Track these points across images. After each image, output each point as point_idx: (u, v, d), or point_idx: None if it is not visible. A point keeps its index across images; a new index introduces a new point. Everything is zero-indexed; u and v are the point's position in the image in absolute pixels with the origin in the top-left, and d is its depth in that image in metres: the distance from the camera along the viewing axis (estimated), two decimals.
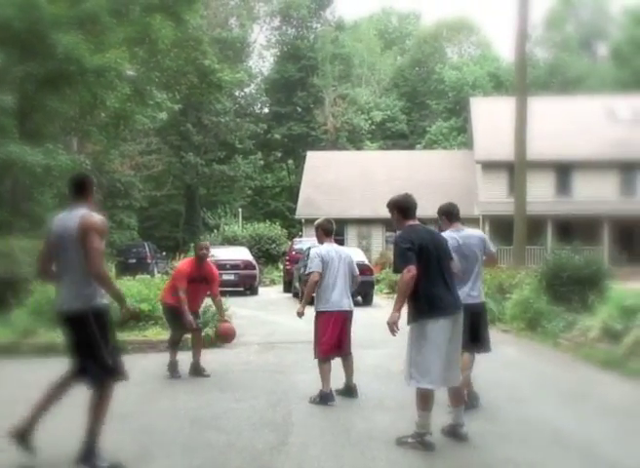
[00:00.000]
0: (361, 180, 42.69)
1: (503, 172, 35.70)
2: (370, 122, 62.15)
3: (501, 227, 31.35)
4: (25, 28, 18.92)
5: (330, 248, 8.63)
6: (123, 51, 21.50)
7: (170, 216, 53.10)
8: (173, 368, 9.84)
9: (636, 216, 34.60)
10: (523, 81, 23.90)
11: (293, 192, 55.05)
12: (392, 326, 6.41)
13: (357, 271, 8.86)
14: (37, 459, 5.93)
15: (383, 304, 21.64)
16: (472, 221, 37.15)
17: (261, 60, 68.76)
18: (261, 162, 56.94)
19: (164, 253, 39.84)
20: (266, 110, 64.78)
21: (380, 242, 39.89)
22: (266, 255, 38.60)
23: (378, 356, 11.45)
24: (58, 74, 19.91)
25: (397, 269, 6.46)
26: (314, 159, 46.18)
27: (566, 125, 37.96)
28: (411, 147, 60.21)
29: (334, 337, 8.43)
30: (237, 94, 60.38)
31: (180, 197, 53.91)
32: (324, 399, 8.21)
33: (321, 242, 8.74)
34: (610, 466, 6.13)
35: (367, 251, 33.14)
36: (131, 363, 10.43)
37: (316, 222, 8.97)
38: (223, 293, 10.96)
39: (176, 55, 28.84)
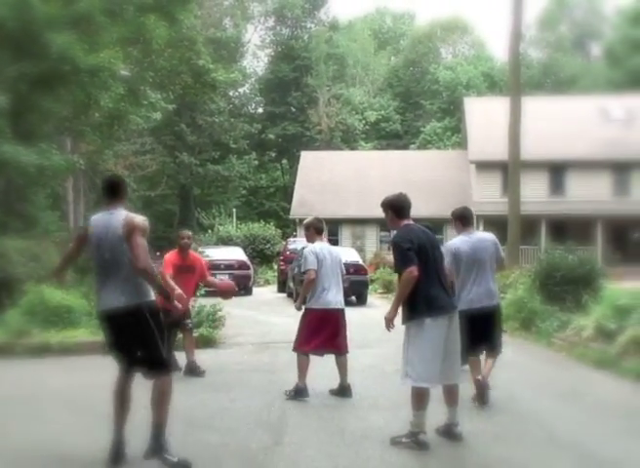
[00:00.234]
0: (355, 180, 42.70)
1: (497, 171, 35.76)
2: (364, 122, 62.15)
3: (495, 227, 31.30)
4: (19, 28, 18.86)
5: (322, 246, 8.70)
6: (117, 51, 21.46)
7: (164, 217, 52.96)
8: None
9: (629, 216, 34.69)
10: (517, 81, 23.95)
11: (287, 192, 55.02)
12: (389, 321, 6.48)
13: (344, 270, 8.97)
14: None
15: (378, 304, 21.70)
16: None
17: (256, 60, 68.78)
18: (256, 162, 56.90)
19: (158, 254, 39.71)
20: (261, 110, 64.74)
21: (374, 242, 39.90)
22: (261, 255, 38.60)
23: (372, 355, 11.45)
24: (51, 74, 19.86)
25: (399, 270, 6.47)
26: (308, 159, 46.16)
27: (559, 125, 38.02)
28: (405, 147, 60.23)
29: (323, 335, 8.49)
30: (231, 94, 60.30)
31: (175, 197, 53.82)
32: (298, 393, 8.32)
33: (312, 241, 8.76)
34: (604, 465, 6.15)
35: (361, 250, 33.17)
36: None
37: (307, 221, 8.98)
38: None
39: (170, 54, 28.80)
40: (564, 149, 36.92)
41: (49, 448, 6.50)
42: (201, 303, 12.55)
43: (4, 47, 18.44)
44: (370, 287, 24.10)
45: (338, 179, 43.27)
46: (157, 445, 5.81)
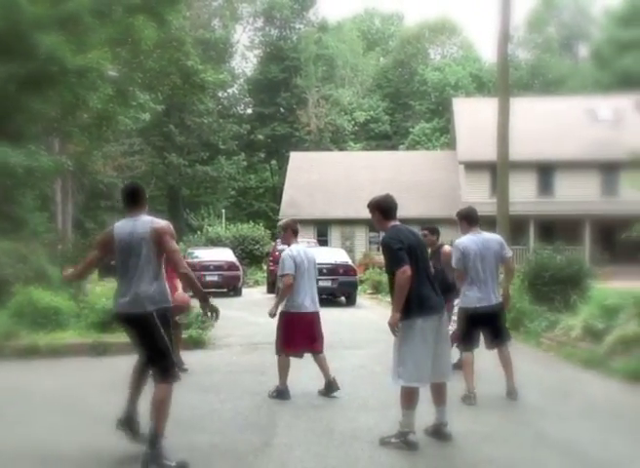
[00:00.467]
0: (344, 181, 42.73)
1: (486, 172, 35.86)
2: (353, 123, 62.22)
3: (484, 227, 31.41)
4: (6, 29, 18.80)
5: (299, 249, 8.78)
6: (105, 51, 21.39)
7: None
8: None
9: (617, 216, 34.76)
10: (505, 82, 23.97)
11: (276, 193, 55.02)
12: (393, 327, 6.45)
13: (317, 273, 9.08)
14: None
15: (367, 304, 21.71)
16: (455, 222, 37.31)
17: (245, 61, 68.74)
18: (245, 163, 56.87)
19: None
20: (250, 111, 64.75)
21: (363, 242, 39.95)
22: (250, 256, 38.56)
23: (361, 356, 11.46)
24: (39, 75, 19.78)
25: (392, 271, 6.49)
26: (297, 160, 46.17)
27: (548, 125, 38.17)
28: (394, 148, 60.31)
29: (302, 338, 8.59)
30: (220, 94, 60.26)
31: (164, 198, 53.77)
32: (280, 394, 8.39)
33: (289, 242, 8.82)
34: (592, 465, 6.18)
35: (350, 251, 33.18)
36: (114, 364, 10.44)
37: (283, 223, 9.05)
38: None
39: (158, 55, 28.74)
40: (552, 150, 37.06)
41: (37, 449, 6.49)
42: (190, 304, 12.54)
43: None
44: (359, 287, 24.10)
45: (327, 180, 43.30)
46: (154, 452, 5.83)
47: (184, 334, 11.59)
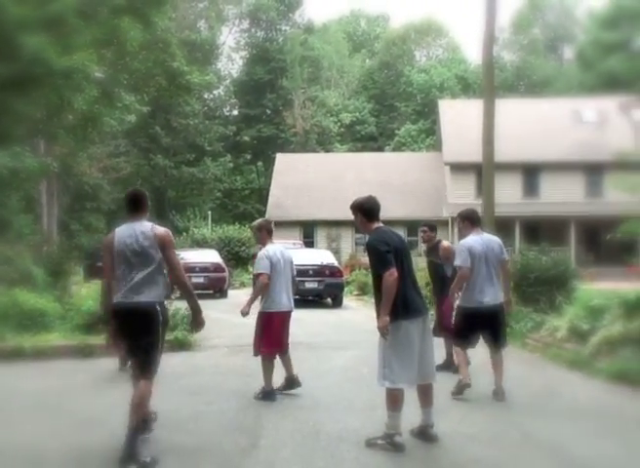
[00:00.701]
0: (330, 182, 42.74)
1: (472, 173, 35.91)
2: (339, 124, 62.27)
3: None
4: None
5: (275, 249, 8.77)
6: (91, 53, 21.31)
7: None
8: (123, 360, 9.83)
9: (602, 217, 34.88)
10: (490, 83, 24.02)
11: (262, 194, 54.98)
12: (383, 330, 6.42)
13: (295, 272, 9.04)
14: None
15: (353, 306, 21.73)
16: (441, 223, 37.35)
17: (230, 63, 68.72)
18: (231, 164, 56.84)
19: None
20: (235, 112, 64.70)
21: (349, 244, 39.98)
22: (236, 258, 38.50)
23: (348, 357, 11.47)
24: (24, 76, 19.69)
25: (378, 273, 6.48)
26: (283, 161, 46.15)
27: (533, 127, 38.32)
28: (380, 149, 60.43)
29: (280, 337, 8.69)
30: (206, 96, 60.21)
31: (149, 199, 53.66)
32: (267, 396, 8.42)
33: (264, 243, 8.81)
34: (576, 465, 6.21)
35: (336, 253, 33.20)
36: (100, 366, 10.42)
37: (257, 223, 9.07)
38: None
39: (144, 57, 28.67)
40: (537, 151, 37.20)
41: (22, 450, 6.46)
42: (177, 306, 12.51)
43: None
44: (345, 289, 24.11)
45: (313, 182, 43.31)
46: (132, 450, 5.88)
47: (171, 336, 11.56)
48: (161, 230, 6.31)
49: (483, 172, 24.19)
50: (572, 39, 68.08)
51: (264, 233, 8.83)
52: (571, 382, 9.73)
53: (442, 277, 9.65)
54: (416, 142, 60.88)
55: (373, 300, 6.83)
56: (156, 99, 38.06)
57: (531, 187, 38.34)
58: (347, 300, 23.47)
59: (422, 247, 37.10)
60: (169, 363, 9.95)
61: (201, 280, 23.90)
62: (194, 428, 7.19)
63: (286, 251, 8.98)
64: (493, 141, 22.97)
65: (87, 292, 14.89)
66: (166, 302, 6.50)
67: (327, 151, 57.64)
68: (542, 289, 14.71)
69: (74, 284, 14.68)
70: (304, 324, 15.01)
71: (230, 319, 16.17)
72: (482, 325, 8.48)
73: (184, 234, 41.85)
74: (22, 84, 20.03)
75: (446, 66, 68.00)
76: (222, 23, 62.91)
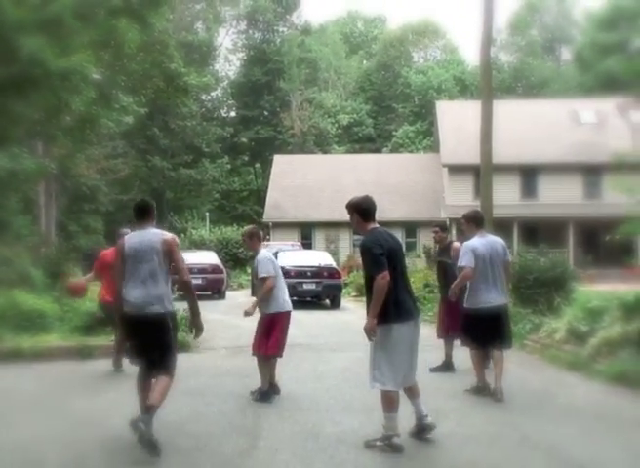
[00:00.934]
0: (328, 184, 42.74)
1: (469, 175, 35.96)
2: (336, 126, 62.26)
3: None
4: None
5: (269, 253, 9.03)
6: (88, 54, 21.30)
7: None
8: (117, 362, 9.92)
9: (601, 219, 34.91)
10: (488, 84, 24.05)
11: (260, 196, 54.98)
12: (370, 332, 6.45)
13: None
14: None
15: (351, 307, 21.72)
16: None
17: (228, 64, 68.66)
18: (229, 166, 56.78)
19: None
20: (233, 114, 64.67)
21: (347, 245, 39.99)
22: (234, 259, 38.52)
23: (346, 359, 11.47)
24: (22, 78, 19.68)
25: (371, 275, 6.49)
26: (281, 163, 46.15)
27: (531, 128, 38.33)
28: (378, 151, 60.41)
29: (285, 337, 8.81)
30: (204, 97, 60.20)
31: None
32: (265, 396, 8.45)
33: (256, 249, 8.91)
34: (574, 466, 6.20)
35: (334, 254, 33.21)
36: (98, 368, 10.41)
37: (247, 231, 9.21)
38: None
39: (142, 58, 28.70)
40: (535, 152, 37.20)
41: (19, 451, 6.46)
42: (176, 307, 12.50)
43: None
44: (343, 290, 24.11)
45: (311, 183, 43.31)
46: (148, 417, 6.33)
47: None
48: (168, 236, 6.79)
49: (481, 173, 24.22)
50: (569, 40, 68.17)
51: (255, 239, 8.97)
52: (569, 384, 9.73)
53: (452, 277, 9.66)
54: (413, 144, 60.90)
55: (365, 301, 6.84)
56: (154, 101, 38.06)
57: (529, 188, 38.32)
58: (345, 302, 23.46)
59: (424, 248, 37.53)
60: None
61: (199, 281, 23.83)
62: (194, 429, 7.19)
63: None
64: (490, 143, 23.00)
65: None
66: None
67: (325, 153, 57.67)
68: (541, 290, 14.71)
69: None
70: (303, 325, 15.01)
71: (229, 320, 16.21)
72: (487, 325, 8.55)
73: (182, 235, 41.80)
74: (20, 85, 20.03)
75: (444, 68, 68.00)
76: (220, 25, 62.89)
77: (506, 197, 33.91)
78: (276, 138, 58.88)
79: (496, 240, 8.91)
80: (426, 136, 59.50)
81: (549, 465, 6.21)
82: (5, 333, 12.32)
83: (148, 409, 6.38)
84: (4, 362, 11.30)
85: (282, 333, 8.71)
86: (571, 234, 35.90)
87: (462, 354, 9.70)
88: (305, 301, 21.37)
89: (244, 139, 59.36)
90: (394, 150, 59.34)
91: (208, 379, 10.00)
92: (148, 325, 6.62)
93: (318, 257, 23.73)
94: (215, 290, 25.45)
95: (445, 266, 10.51)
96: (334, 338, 14.00)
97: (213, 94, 62.61)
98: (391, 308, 6.42)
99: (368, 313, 6.51)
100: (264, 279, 8.57)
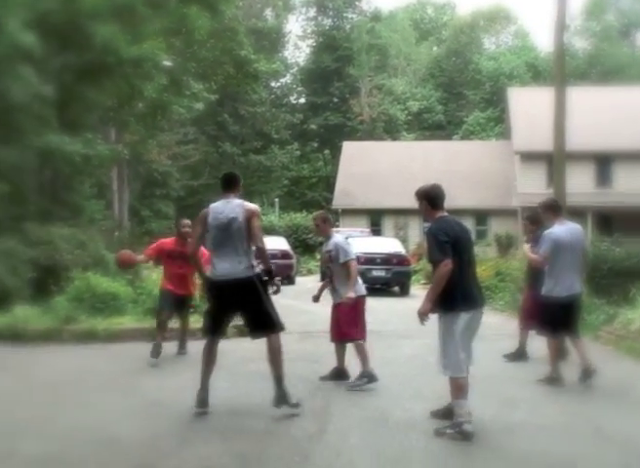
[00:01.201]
0: (398, 171, 42.49)
1: (542, 162, 35.27)
2: (406, 112, 61.87)
3: None
4: (64, 20, 19.05)
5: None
6: (160, 41, 21.60)
7: (207, 206, 53.08)
8: (156, 350, 9.95)
9: None
10: (561, 71, 23.50)
11: (329, 182, 54.94)
12: (423, 316, 6.49)
13: None
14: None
15: (420, 295, 21.50)
16: (510, 213, 36.94)
17: (297, 51, 68.92)
18: (298, 152, 56.90)
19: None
20: (302, 100, 64.79)
21: (416, 232, 39.70)
22: (303, 245, 38.70)
23: (415, 346, 11.43)
24: (96, 65, 20.04)
25: (434, 262, 6.51)
26: (350, 149, 46.08)
27: (606, 115, 37.44)
28: (448, 138, 59.83)
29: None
30: (273, 84, 60.48)
31: (217, 187, 53.89)
32: (372, 378, 8.40)
33: (329, 234, 8.89)
34: None
35: (404, 241, 33.02)
36: (170, 350, 10.55)
37: (321, 215, 9.13)
38: None
39: (212, 45, 28.95)
40: (610, 140, 36.36)
41: (95, 431, 6.58)
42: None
43: (50, 38, 18.62)
44: (412, 277, 23.99)
45: (380, 170, 43.13)
46: (281, 393, 7.04)
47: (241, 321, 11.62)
48: (251, 205, 7.26)
49: (554, 161, 23.76)
50: None
51: (328, 225, 8.94)
52: None
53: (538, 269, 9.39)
54: (484, 131, 60.21)
55: None
56: (224, 87, 38.33)
57: (603, 177, 37.48)
58: (415, 289, 23.34)
59: (495, 236, 37.06)
60: (238, 348, 10.07)
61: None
62: (263, 412, 7.21)
63: None
64: (564, 130, 22.52)
65: (158, 277, 15.08)
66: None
67: (394, 139, 57.34)
68: (616, 280, 14.41)
69: (145, 268, 14.84)
70: (373, 312, 14.87)
71: (298, 305, 16.25)
72: (565, 314, 8.48)
73: None
74: (94, 72, 20.39)
75: (515, 54, 66.99)
76: (289, 11, 63.05)
77: (580, 185, 33.20)
78: (345, 125, 58.78)
79: (576, 227, 8.83)
80: (498, 123, 58.74)
81: (624, 458, 6.05)
82: (80, 315, 12.61)
83: (279, 384, 7.05)
84: (80, 342, 11.59)
85: (364, 317, 8.76)
86: None
87: (538, 343, 9.57)
88: (375, 288, 21.32)
89: (313, 126, 59.39)
90: (465, 137, 58.76)
91: None
92: (238, 289, 6.98)
93: (387, 244, 23.66)
94: (284, 275, 25.52)
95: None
96: (402, 325, 13.93)
97: (282, 80, 62.89)
98: (458, 297, 6.42)
99: (425, 297, 6.54)
100: (348, 263, 8.54)
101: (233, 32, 33.11)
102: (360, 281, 8.79)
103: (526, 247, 9.40)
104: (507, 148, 41.63)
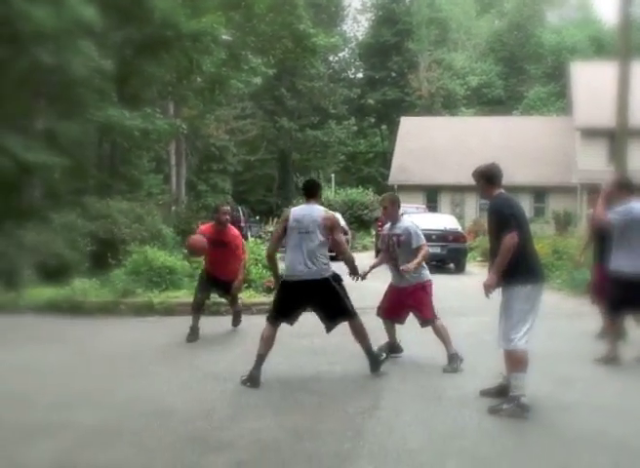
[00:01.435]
0: (455, 147, 42.10)
1: (604, 139, 34.63)
2: (465, 87, 61.12)
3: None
4: None
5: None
6: (219, 15, 21.62)
7: (263, 181, 53.45)
8: (193, 332, 9.93)
9: None
10: (626, 44, 23.04)
11: (386, 158, 54.72)
12: (489, 288, 6.47)
13: None
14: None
15: (476, 272, 21.43)
16: (570, 190, 36.38)
17: (356, 25, 68.44)
18: (355, 127, 56.64)
19: (257, 218, 40.32)
20: (360, 75, 64.44)
21: (473, 209, 39.40)
22: (358, 221, 38.62)
23: (470, 324, 11.35)
24: (155, 39, 20.18)
25: (498, 235, 6.47)
26: (408, 125, 45.75)
27: None
28: (507, 113, 58.95)
29: None
30: (331, 58, 60.20)
31: (274, 162, 54.18)
32: (457, 358, 8.35)
33: (397, 217, 8.76)
34: None
35: (460, 218, 32.78)
36: (225, 324, 10.66)
37: (389, 198, 8.95)
38: None
39: (271, 19, 28.89)
40: None
41: (150, 403, 6.68)
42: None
43: (110, 13, 18.80)
44: (468, 254, 23.80)
45: (437, 146, 42.78)
46: (374, 361, 7.88)
47: None
48: (329, 213, 7.86)
49: (616, 137, 23.34)
50: None
51: (397, 207, 8.79)
52: None
53: (604, 243, 9.13)
54: (545, 106, 59.18)
55: (488, 265, 6.77)
56: (282, 62, 38.22)
57: None
58: (470, 266, 23.15)
59: (553, 214, 36.52)
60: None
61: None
62: (317, 387, 7.26)
63: None
64: (627, 106, 22.09)
65: None
66: None
67: (452, 115, 56.75)
68: None
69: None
70: None
71: (352, 281, 16.28)
72: (634, 292, 8.15)
73: None
74: (153, 47, 20.54)
75: (578, 27, 65.59)
76: None
77: None
78: (403, 100, 58.33)
79: None
80: (559, 99, 57.69)
81: None
82: (137, 288, 12.81)
83: (370, 354, 7.90)
84: (136, 315, 11.79)
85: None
86: None
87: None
88: (430, 265, 21.20)
89: (371, 101, 59.02)
90: (525, 112, 57.83)
91: (332, 339, 10.03)
92: (314, 289, 7.59)
93: (444, 221, 23.48)
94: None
95: (603, 233, 9.85)
96: (458, 303, 13.85)
97: (340, 55, 62.54)
98: (524, 270, 6.44)
99: (490, 270, 6.55)
100: (420, 247, 8.57)
101: (292, 6, 33.00)
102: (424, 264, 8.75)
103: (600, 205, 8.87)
104: (568, 124, 40.91)
